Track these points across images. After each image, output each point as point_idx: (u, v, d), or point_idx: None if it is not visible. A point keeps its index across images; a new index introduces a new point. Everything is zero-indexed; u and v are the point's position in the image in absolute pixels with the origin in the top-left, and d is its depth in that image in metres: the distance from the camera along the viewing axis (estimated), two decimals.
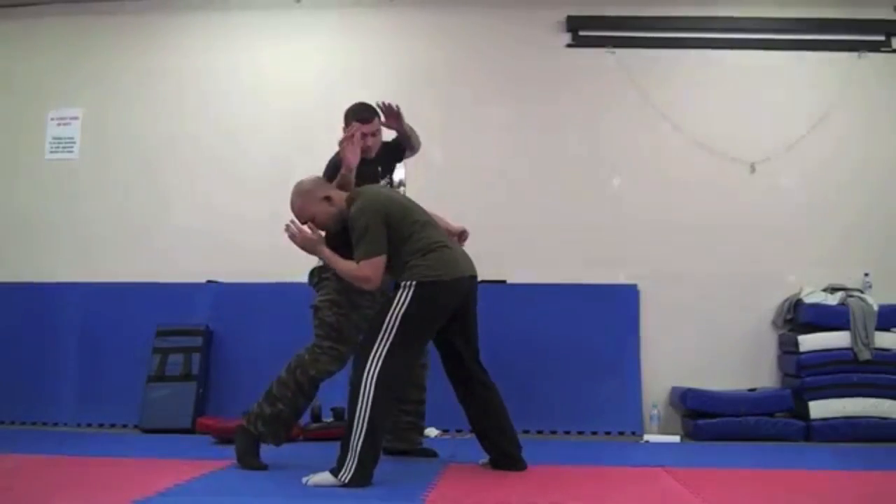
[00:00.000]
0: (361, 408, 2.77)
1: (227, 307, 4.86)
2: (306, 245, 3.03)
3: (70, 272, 5.01)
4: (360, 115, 3.45)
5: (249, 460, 3.13)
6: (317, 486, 2.78)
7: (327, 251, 3.00)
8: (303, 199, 3.05)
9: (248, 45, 5.28)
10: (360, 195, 3.03)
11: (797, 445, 4.28)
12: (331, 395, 3.94)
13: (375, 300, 3.20)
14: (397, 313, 2.86)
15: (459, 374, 3.14)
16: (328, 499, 2.66)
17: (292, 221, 3.04)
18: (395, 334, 2.83)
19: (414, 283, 2.88)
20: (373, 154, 3.46)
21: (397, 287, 2.94)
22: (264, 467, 3.12)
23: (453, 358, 3.14)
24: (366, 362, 2.82)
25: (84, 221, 5.18)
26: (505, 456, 3.16)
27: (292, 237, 3.02)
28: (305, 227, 3.03)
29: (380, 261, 2.89)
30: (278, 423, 3.16)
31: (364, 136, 3.38)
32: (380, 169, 3.53)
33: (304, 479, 2.84)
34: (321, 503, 2.63)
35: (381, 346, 2.83)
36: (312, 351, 3.18)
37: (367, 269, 2.88)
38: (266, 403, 3.16)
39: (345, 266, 2.95)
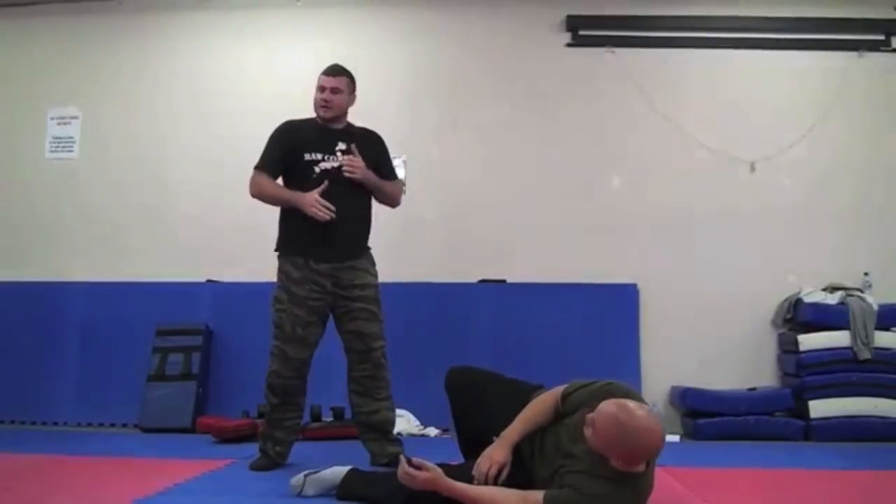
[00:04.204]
0: None
1: (227, 307, 4.86)
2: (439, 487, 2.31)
3: (70, 271, 5.01)
4: (326, 69, 3.25)
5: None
6: None
7: (458, 485, 2.31)
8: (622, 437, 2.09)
9: (249, 45, 5.27)
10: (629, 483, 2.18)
11: (797, 445, 4.28)
12: (331, 395, 3.95)
13: (323, 290, 3.14)
14: None
15: None
16: (328, 499, 2.65)
17: (409, 469, 2.32)
18: None
19: None
20: (332, 114, 3.21)
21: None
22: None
23: None
24: None
25: (84, 221, 5.17)
26: None
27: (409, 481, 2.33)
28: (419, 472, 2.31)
29: None
30: (264, 438, 3.24)
31: (323, 88, 3.20)
32: (342, 146, 3.19)
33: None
34: (321, 503, 2.63)
35: None
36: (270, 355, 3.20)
37: None
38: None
39: None
